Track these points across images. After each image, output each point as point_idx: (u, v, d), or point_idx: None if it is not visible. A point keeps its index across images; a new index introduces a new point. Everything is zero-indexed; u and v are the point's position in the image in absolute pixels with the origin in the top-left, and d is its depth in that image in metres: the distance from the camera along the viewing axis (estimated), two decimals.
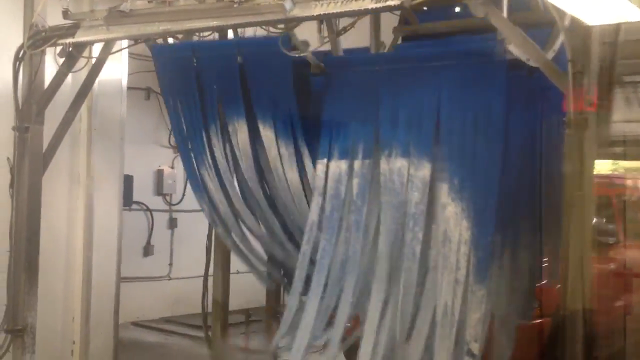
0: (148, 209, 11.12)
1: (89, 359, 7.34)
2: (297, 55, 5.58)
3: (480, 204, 4.96)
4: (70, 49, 6.29)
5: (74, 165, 7.31)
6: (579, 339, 4.32)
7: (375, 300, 5.24)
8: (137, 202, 10.90)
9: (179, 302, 10.98)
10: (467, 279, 4.92)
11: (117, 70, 7.59)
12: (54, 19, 6.31)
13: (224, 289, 6.93)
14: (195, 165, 6.36)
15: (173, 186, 11.33)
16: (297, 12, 5.00)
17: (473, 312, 4.89)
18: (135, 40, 6.39)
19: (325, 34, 5.71)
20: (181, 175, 11.23)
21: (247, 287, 9.59)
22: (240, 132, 6.00)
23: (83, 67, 6.70)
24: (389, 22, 6.35)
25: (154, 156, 11.16)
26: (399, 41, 6.32)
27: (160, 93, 6.54)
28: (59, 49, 6.35)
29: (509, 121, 5.06)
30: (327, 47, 5.95)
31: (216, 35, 6.77)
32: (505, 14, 4.76)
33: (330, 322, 5.47)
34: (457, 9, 5.55)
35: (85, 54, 6.58)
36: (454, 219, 5.01)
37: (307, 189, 5.85)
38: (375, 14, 5.73)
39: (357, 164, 5.48)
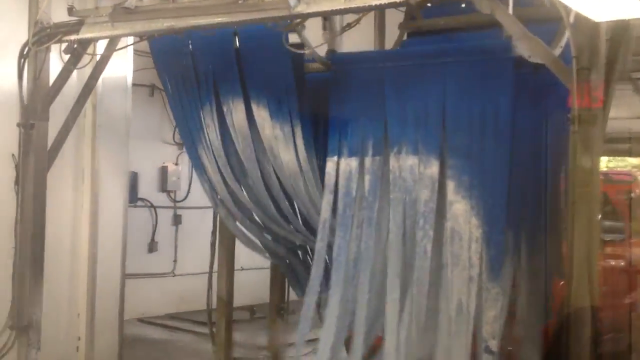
0: (152, 206, 11.13)
1: (94, 355, 7.37)
2: (303, 53, 5.56)
3: (489, 202, 4.95)
4: (75, 45, 6.31)
5: (78, 162, 7.33)
6: (585, 336, 4.31)
7: (391, 299, 5.24)
8: (142, 199, 10.93)
9: (184, 298, 11.01)
10: (481, 276, 4.91)
11: (122, 66, 7.61)
12: (59, 15, 6.33)
13: (229, 286, 6.92)
14: (194, 146, 6.29)
15: (177, 183, 11.32)
16: (302, 8, 4.99)
17: (489, 309, 4.89)
18: (140, 37, 6.38)
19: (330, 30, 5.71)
20: (186, 172, 11.26)
21: (251, 284, 9.65)
22: (236, 112, 5.95)
23: (88, 64, 6.73)
24: (393, 19, 6.35)
25: (158, 153, 11.17)
26: (405, 37, 6.30)
27: (158, 76, 6.47)
28: (64, 45, 6.37)
29: (516, 118, 5.04)
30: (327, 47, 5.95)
31: None
32: (510, 10, 4.75)
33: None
34: (463, 5, 5.53)
35: (90, 50, 6.59)
36: (463, 217, 5.01)
37: (304, 170, 5.79)
38: (380, 10, 5.71)
39: (367, 160, 5.49)
